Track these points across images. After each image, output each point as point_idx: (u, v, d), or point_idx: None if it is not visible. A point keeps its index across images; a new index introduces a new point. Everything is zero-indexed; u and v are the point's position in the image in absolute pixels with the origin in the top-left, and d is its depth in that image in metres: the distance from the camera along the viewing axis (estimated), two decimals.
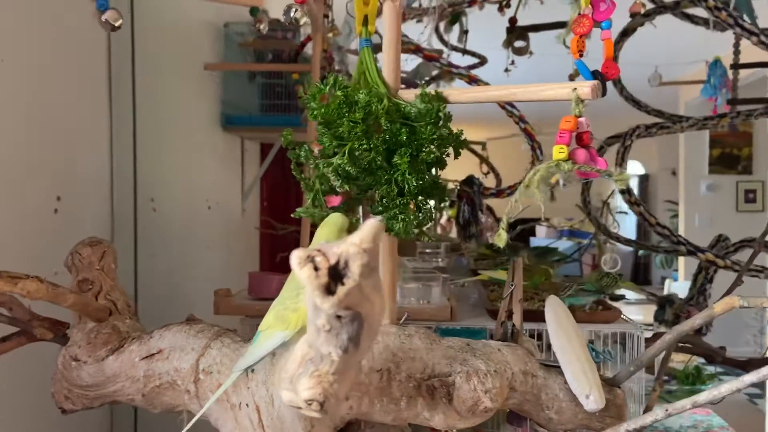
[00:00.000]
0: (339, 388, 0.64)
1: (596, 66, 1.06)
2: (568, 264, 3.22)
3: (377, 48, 1.20)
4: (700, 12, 2.08)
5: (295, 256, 0.53)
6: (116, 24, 1.20)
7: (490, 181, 3.32)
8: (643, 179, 10.60)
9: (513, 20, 2.76)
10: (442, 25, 2.84)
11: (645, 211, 1.90)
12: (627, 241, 2.35)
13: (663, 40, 3.80)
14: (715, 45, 3.28)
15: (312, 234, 1.07)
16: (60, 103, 1.74)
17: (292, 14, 1.22)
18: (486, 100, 1.03)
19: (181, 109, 2.62)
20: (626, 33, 2.36)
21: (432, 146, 1.03)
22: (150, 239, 2.24)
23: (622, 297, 2.16)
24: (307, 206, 1.05)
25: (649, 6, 2.25)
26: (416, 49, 2.08)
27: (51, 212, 1.69)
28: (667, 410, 0.86)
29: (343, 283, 0.53)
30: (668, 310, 2.24)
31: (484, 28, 2.85)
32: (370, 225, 0.54)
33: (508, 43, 2.75)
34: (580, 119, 0.94)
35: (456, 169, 2.96)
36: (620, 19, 2.30)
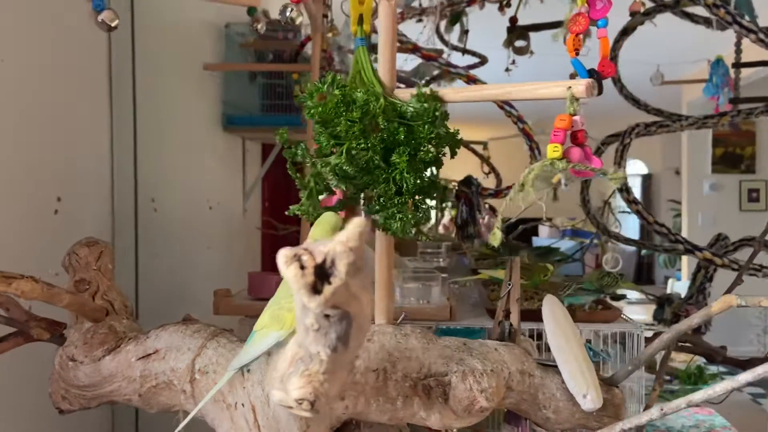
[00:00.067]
0: (329, 387, 0.64)
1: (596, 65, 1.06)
2: (571, 264, 3.21)
3: (375, 48, 1.20)
4: (700, 11, 2.08)
5: (282, 255, 0.53)
6: (113, 24, 1.20)
7: (491, 182, 3.32)
8: (647, 178, 10.57)
9: (513, 20, 2.75)
10: (443, 25, 2.83)
11: (643, 209, 1.89)
12: (626, 240, 2.34)
13: (665, 39, 3.80)
14: (718, 44, 3.27)
15: None
16: (60, 104, 1.74)
17: (288, 14, 1.22)
18: (481, 99, 1.03)
19: (182, 110, 2.62)
20: (626, 32, 2.35)
21: (429, 145, 1.03)
22: (151, 239, 2.24)
23: (623, 296, 2.15)
24: (302, 203, 1.05)
25: (649, 4, 2.24)
26: (414, 49, 2.08)
27: (51, 213, 1.69)
28: (662, 409, 0.85)
29: (329, 282, 0.53)
30: (667, 309, 2.24)
31: (485, 28, 2.85)
32: (356, 224, 0.53)
33: (508, 43, 2.75)
34: (575, 118, 0.94)
35: (458, 169, 2.97)
36: (620, 18, 2.30)
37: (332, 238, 0.55)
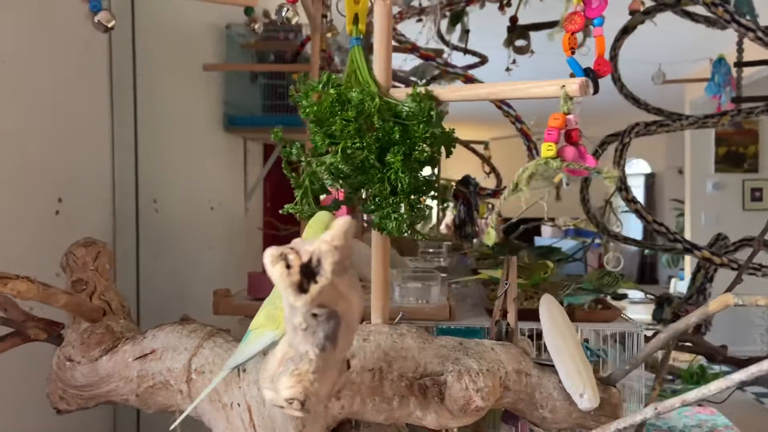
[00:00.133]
0: (319, 386, 0.64)
1: None
2: (574, 263, 3.21)
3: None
4: (701, 10, 2.07)
5: (268, 255, 0.53)
6: (109, 25, 1.20)
7: (491, 182, 3.32)
8: (650, 178, 10.55)
9: (514, 19, 2.75)
10: (443, 25, 2.83)
11: (642, 208, 1.89)
12: (626, 240, 2.34)
13: (666, 37, 3.79)
14: (720, 42, 3.27)
15: None
16: (61, 105, 1.74)
17: (283, 13, 1.23)
18: (475, 98, 1.03)
19: (183, 111, 2.63)
20: (626, 31, 2.34)
21: (424, 145, 1.03)
22: (152, 240, 2.25)
23: (624, 296, 2.15)
24: (297, 202, 1.05)
25: (649, 3, 2.24)
26: (413, 48, 2.08)
27: (52, 214, 1.70)
28: (656, 408, 0.85)
29: (316, 281, 0.53)
30: (667, 309, 2.23)
31: (485, 28, 2.85)
32: (342, 223, 0.53)
33: (509, 42, 2.74)
34: (569, 116, 0.93)
35: (459, 170, 2.97)
36: (620, 18, 2.29)
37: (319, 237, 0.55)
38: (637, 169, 10.71)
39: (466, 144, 3.65)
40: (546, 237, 8.05)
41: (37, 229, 1.62)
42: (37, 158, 1.63)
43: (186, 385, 1.11)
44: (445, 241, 2.93)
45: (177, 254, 2.50)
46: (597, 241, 3.27)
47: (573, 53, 1.09)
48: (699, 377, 2.93)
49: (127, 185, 2.11)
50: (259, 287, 1.84)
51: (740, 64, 3.18)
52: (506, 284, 1.30)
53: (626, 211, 3.79)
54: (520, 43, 2.75)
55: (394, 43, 2.17)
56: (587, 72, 1.05)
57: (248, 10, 1.42)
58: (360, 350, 1.06)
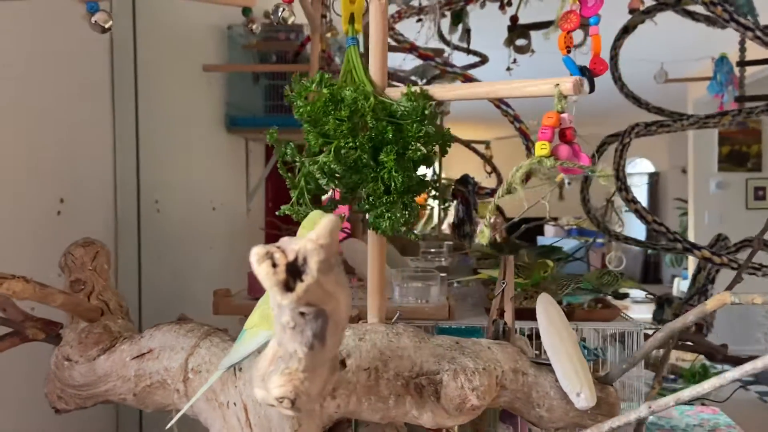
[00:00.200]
0: (310, 385, 0.64)
1: None
2: (576, 263, 3.21)
3: None
4: (701, 9, 2.07)
5: (254, 253, 0.53)
6: (106, 26, 1.20)
7: (493, 181, 3.32)
8: (653, 177, 10.54)
9: (514, 18, 2.75)
10: (444, 24, 2.83)
11: (642, 208, 1.88)
12: (626, 240, 2.33)
13: (669, 36, 3.79)
14: (723, 41, 3.26)
15: None
16: (63, 105, 1.75)
17: (279, 14, 1.23)
18: (470, 97, 1.03)
19: (185, 112, 2.63)
20: (627, 30, 2.34)
21: (418, 144, 1.03)
22: (154, 240, 2.25)
23: (626, 295, 2.15)
24: (292, 203, 1.05)
25: (649, 2, 2.24)
26: (411, 48, 2.08)
27: (54, 214, 1.70)
28: (650, 407, 0.85)
29: (302, 280, 0.53)
30: (667, 309, 2.23)
31: (486, 27, 2.85)
32: (327, 221, 0.53)
33: (509, 42, 2.74)
34: (563, 115, 0.93)
35: (461, 170, 2.96)
36: (621, 17, 2.29)
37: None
38: (640, 168, 10.70)
39: (468, 144, 3.65)
40: (549, 237, 8.04)
41: (39, 230, 1.63)
42: (39, 159, 1.63)
43: (183, 385, 1.11)
44: (446, 240, 2.94)
45: (179, 254, 2.51)
46: (600, 240, 3.27)
47: (569, 52, 1.09)
48: (701, 377, 2.92)
49: (128, 185, 2.11)
50: (259, 287, 1.84)
51: (743, 63, 3.17)
52: (503, 283, 1.30)
53: (629, 211, 3.79)
54: (520, 42, 2.75)
55: (392, 42, 2.18)
56: (583, 71, 1.05)
57: (246, 11, 1.43)
58: (356, 349, 1.07)
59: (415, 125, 1.01)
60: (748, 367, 0.79)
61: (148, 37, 2.19)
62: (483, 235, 0.96)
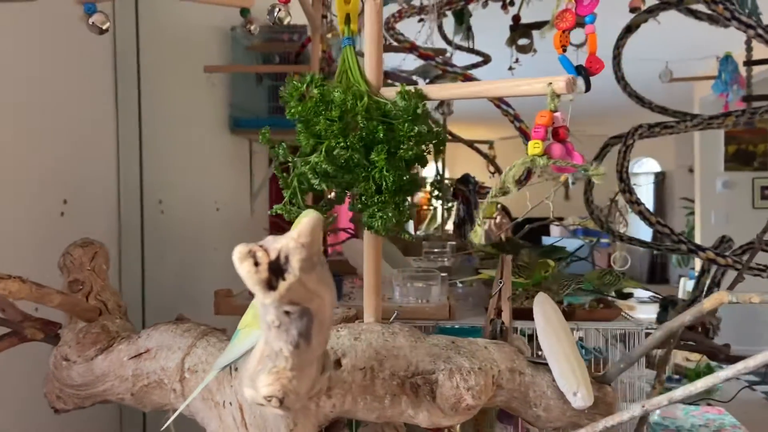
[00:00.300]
0: (298, 384, 0.64)
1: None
2: (582, 263, 3.20)
3: None
4: (704, 8, 2.06)
5: (236, 252, 0.53)
6: (104, 27, 1.21)
7: (495, 181, 3.30)
8: (659, 176, 10.50)
9: (516, 18, 2.75)
10: (446, 24, 2.83)
11: (645, 209, 1.87)
12: (631, 240, 2.32)
13: (674, 35, 3.78)
14: (729, 40, 3.25)
15: None
16: (66, 106, 1.75)
17: (275, 14, 1.23)
18: (466, 96, 1.03)
19: (189, 113, 2.64)
20: (630, 29, 2.33)
21: (410, 143, 1.03)
22: (158, 241, 2.26)
23: (630, 295, 2.14)
24: (285, 203, 1.05)
25: (650, 1, 2.22)
26: (411, 48, 2.08)
27: (57, 215, 1.71)
28: (644, 406, 0.85)
29: (284, 279, 0.53)
30: (671, 311, 2.22)
31: (488, 27, 2.85)
32: (308, 219, 0.54)
33: (511, 41, 2.74)
34: (556, 114, 0.93)
35: (465, 169, 2.95)
36: (623, 17, 2.28)
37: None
38: (646, 167, 10.66)
39: (471, 144, 3.64)
40: (554, 236, 8.01)
41: (42, 231, 1.64)
42: (43, 160, 1.64)
43: (179, 384, 1.12)
44: (449, 241, 2.93)
45: (182, 255, 2.51)
46: (604, 240, 3.26)
47: (565, 51, 1.08)
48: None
49: (132, 186, 2.12)
50: None
51: (749, 63, 3.16)
52: (500, 283, 1.30)
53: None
54: (523, 42, 2.74)
55: (393, 42, 2.18)
56: (579, 69, 1.04)
57: (244, 12, 1.43)
58: (351, 349, 1.07)
59: (406, 124, 1.01)
60: (740, 366, 0.79)
61: (151, 38, 2.19)
62: (476, 234, 0.96)
